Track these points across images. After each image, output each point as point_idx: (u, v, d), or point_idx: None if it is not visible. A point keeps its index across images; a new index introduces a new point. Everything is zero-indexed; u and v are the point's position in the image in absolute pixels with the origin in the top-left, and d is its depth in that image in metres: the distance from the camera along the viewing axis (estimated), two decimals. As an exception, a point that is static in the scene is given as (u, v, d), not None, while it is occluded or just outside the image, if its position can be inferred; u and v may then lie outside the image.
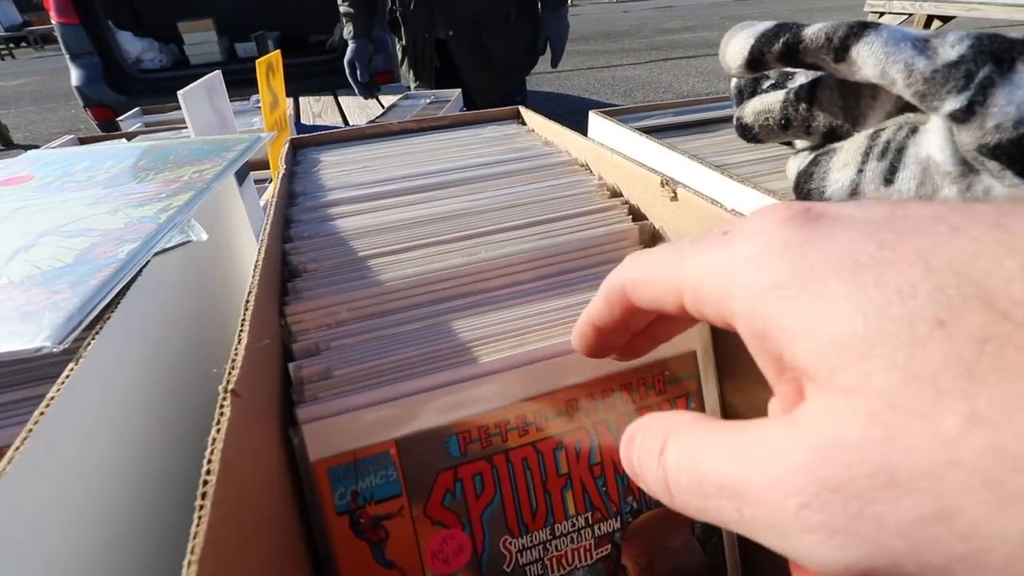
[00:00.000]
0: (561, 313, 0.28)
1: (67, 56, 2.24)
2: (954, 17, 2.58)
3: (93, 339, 0.21)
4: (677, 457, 0.11)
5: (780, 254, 0.10)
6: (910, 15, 2.70)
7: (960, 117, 0.22)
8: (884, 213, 0.10)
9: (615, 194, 0.36)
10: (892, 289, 0.09)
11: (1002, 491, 0.07)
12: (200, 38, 2.67)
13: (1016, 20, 2.28)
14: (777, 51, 0.26)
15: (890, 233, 0.10)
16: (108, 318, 0.22)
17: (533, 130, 0.50)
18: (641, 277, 0.14)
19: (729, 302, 0.11)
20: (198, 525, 0.13)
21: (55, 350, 0.20)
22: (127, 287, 0.24)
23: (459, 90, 1.32)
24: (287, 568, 0.19)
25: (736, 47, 0.28)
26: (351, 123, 1.37)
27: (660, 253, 0.13)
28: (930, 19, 2.66)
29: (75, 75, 2.24)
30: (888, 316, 0.09)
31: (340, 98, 1.61)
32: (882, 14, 2.75)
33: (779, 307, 0.10)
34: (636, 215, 0.34)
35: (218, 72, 0.65)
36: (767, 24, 0.27)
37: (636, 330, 0.16)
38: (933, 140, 0.24)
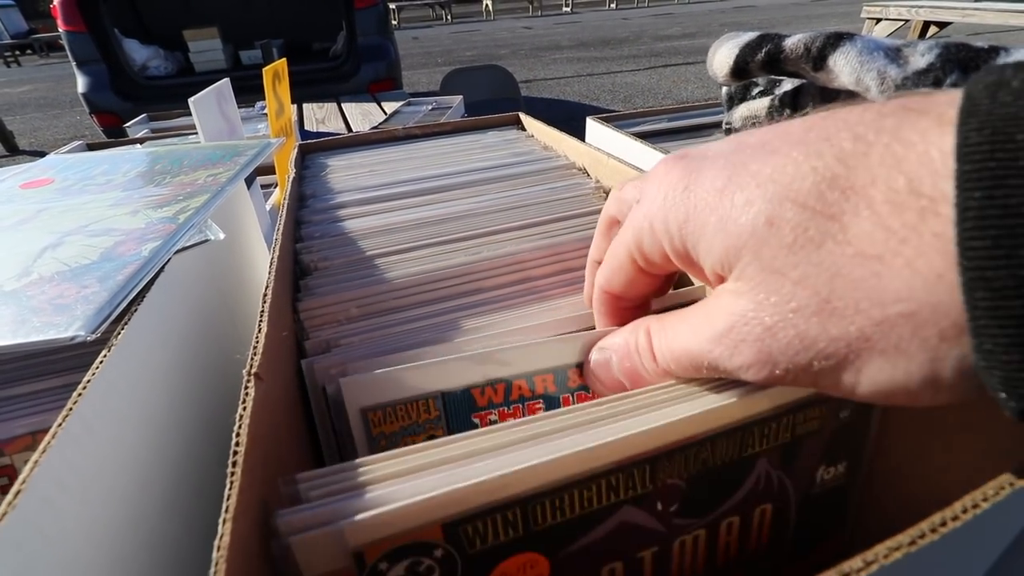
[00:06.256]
0: (563, 312, 0.29)
1: (73, 63, 2.27)
2: (951, 23, 2.61)
3: (123, 329, 0.23)
4: (662, 350, 0.17)
5: (679, 200, 0.15)
6: (907, 21, 2.72)
7: (930, 122, 0.24)
8: (732, 147, 0.15)
9: (611, 196, 0.38)
10: (740, 206, 0.14)
11: (824, 310, 0.13)
12: (205, 46, 2.70)
13: (1012, 25, 2.31)
14: (760, 60, 0.28)
15: (735, 165, 0.14)
16: (135, 310, 0.24)
17: (532, 135, 0.51)
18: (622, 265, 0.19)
19: (667, 236, 0.16)
20: (230, 489, 0.15)
21: (88, 339, 0.22)
22: (152, 282, 0.26)
23: (460, 96, 1.34)
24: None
25: (722, 57, 0.30)
26: (354, 129, 1.39)
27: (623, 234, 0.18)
28: (927, 25, 2.68)
29: (81, 82, 2.27)
30: (742, 225, 0.14)
31: (343, 104, 1.64)
32: (879, 20, 2.77)
33: (690, 237, 0.15)
34: (631, 216, 0.36)
35: (227, 80, 0.67)
36: (751, 34, 0.29)
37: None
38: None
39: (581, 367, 0.20)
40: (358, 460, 0.15)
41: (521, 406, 0.20)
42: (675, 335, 0.16)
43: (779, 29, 0.33)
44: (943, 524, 0.13)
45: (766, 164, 0.14)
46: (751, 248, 0.13)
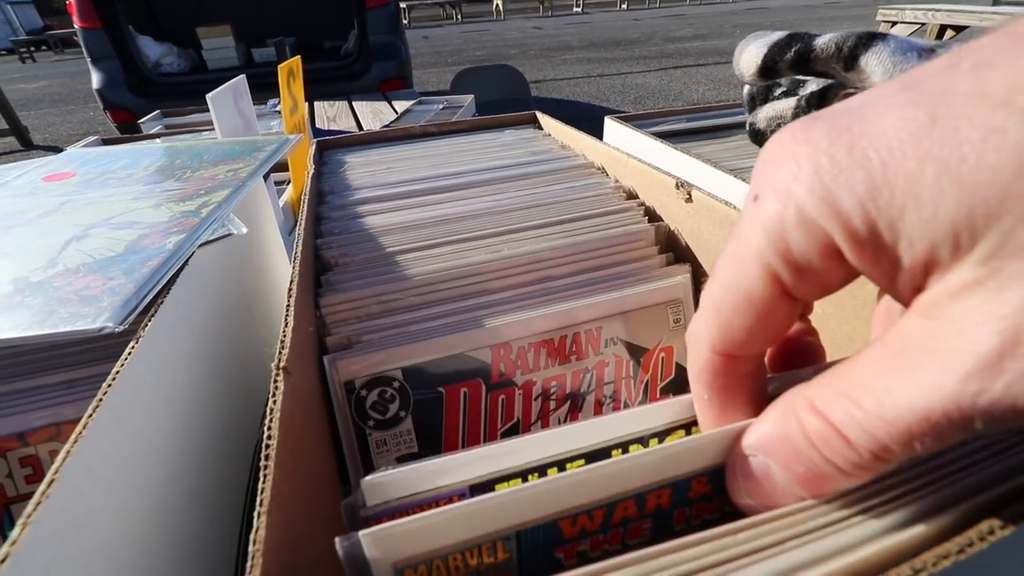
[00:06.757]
0: (582, 313, 0.29)
1: (88, 59, 2.29)
2: (967, 27, 2.58)
3: (149, 321, 0.23)
4: (863, 425, 0.10)
5: (847, 164, 0.10)
6: (922, 24, 2.70)
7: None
8: (901, 84, 0.10)
9: (631, 196, 0.38)
10: (980, 140, 0.09)
11: None
12: (217, 43, 2.71)
13: (1029, 30, 2.28)
14: (789, 59, 0.27)
15: (930, 97, 0.10)
16: (161, 302, 0.24)
17: (550, 134, 0.51)
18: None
19: (838, 218, 0.10)
20: (264, 482, 0.15)
21: (116, 330, 0.22)
22: (176, 275, 0.26)
23: (471, 96, 1.34)
24: (333, 528, 0.20)
25: (750, 55, 0.30)
26: (365, 127, 1.39)
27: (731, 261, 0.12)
28: (943, 29, 2.66)
29: (96, 78, 2.29)
30: (996, 166, 0.09)
31: (354, 103, 1.64)
32: (894, 23, 2.75)
33: (887, 208, 0.10)
34: (652, 216, 0.35)
35: (243, 76, 0.67)
36: (780, 33, 0.29)
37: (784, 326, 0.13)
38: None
39: (709, 475, 0.14)
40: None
41: (622, 529, 0.14)
42: (880, 396, 0.10)
43: (796, 30, 0.32)
44: (991, 532, 0.12)
45: (987, 81, 0.09)
46: (1019, 196, 0.09)
